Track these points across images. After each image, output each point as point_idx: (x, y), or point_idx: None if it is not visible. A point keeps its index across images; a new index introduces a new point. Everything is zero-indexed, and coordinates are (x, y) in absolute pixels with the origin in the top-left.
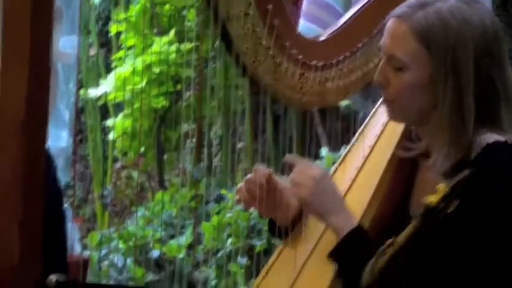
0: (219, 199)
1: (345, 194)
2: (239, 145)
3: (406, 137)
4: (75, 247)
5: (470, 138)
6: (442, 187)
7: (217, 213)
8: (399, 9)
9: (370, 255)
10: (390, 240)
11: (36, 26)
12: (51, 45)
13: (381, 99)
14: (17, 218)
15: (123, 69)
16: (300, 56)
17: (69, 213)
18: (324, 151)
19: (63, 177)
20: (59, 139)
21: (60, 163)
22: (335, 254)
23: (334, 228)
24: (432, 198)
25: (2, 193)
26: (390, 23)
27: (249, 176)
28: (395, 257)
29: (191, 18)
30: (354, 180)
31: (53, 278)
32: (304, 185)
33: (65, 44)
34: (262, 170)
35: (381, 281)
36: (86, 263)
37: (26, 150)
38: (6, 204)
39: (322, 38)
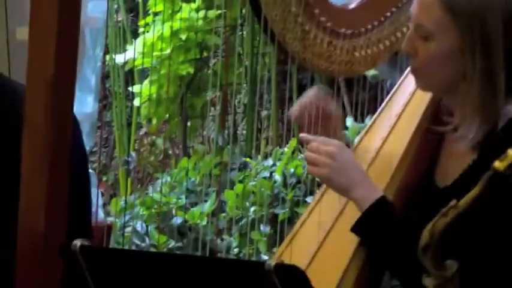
0: (243, 167)
1: (370, 164)
2: (264, 113)
3: (434, 106)
4: (99, 213)
5: (499, 109)
6: (511, 152)
7: (241, 181)
8: None
9: (395, 226)
10: (453, 202)
11: None
12: (79, 7)
13: (408, 69)
14: (44, 180)
15: (149, 35)
16: (329, 24)
17: (93, 179)
18: (349, 121)
19: (87, 142)
20: (84, 104)
21: (85, 128)
22: (358, 228)
23: (357, 201)
24: (499, 164)
25: (29, 154)
26: None
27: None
28: (457, 219)
29: None
30: (380, 149)
31: (77, 242)
32: (322, 163)
33: (93, 8)
34: (319, 94)
35: (441, 242)
36: (109, 229)
37: (53, 110)
38: (34, 166)
39: (351, 6)
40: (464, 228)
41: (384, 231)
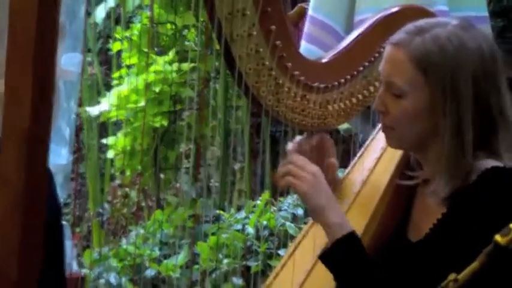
0: (216, 219)
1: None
2: (237, 166)
3: (405, 162)
4: (73, 264)
5: (470, 164)
6: None
7: (214, 233)
8: (397, 35)
9: (362, 261)
10: (453, 276)
11: (41, 42)
12: (55, 61)
13: (380, 124)
14: (18, 231)
15: (123, 88)
16: (302, 78)
17: (67, 231)
18: None
19: (61, 194)
20: (59, 156)
21: (59, 180)
22: (327, 256)
23: (330, 225)
24: (501, 238)
25: (2, 207)
26: (388, 49)
27: (303, 136)
28: None
29: (192, 38)
30: (352, 203)
31: None
32: (304, 178)
33: (67, 61)
34: (322, 137)
35: None
36: (82, 280)
37: (29, 162)
38: (7, 219)
39: (323, 60)
40: None
41: (353, 264)
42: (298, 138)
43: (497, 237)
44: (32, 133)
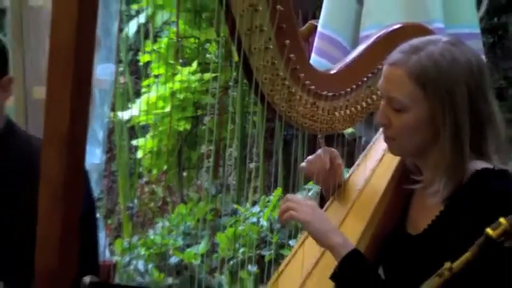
0: (233, 213)
1: (347, 213)
2: (252, 165)
3: (403, 164)
4: (105, 252)
5: (466, 168)
6: (504, 221)
7: (231, 225)
8: (394, 55)
9: (367, 274)
10: (448, 264)
11: (79, 52)
12: (92, 70)
13: (381, 131)
14: (58, 224)
15: (150, 95)
16: (313, 87)
17: (100, 223)
18: None
19: (95, 190)
20: (93, 156)
21: (93, 177)
22: (336, 275)
23: (335, 246)
24: (491, 232)
25: (44, 202)
26: (387, 69)
27: (319, 151)
28: (451, 280)
29: (212, 51)
30: (356, 200)
31: (86, 279)
32: (303, 211)
33: (102, 71)
34: (330, 151)
35: None
36: (114, 267)
37: (68, 162)
38: (48, 212)
39: (332, 72)
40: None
41: (358, 275)
42: (309, 159)
43: (488, 231)
44: (71, 135)
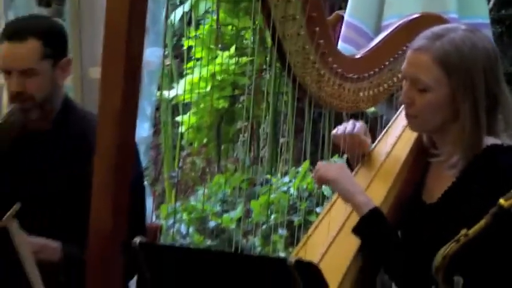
0: (265, 183)
1: (369, 183)
2: (282, 140)
3: (420, 139)
4: (152, 216)
5: (481, 144)
6: None
7: (264, 193)
8: (418, 41)
9: (387, 232)
10: (465, 231)
11: (131, 37)
12: (142, 52)
13: (401, 107)
14: (111, 191)
15: (192, 76)
16: (339, 70)
17: (147, 190)
18: None
19: (143, 160)
20: (142, 130)
21: (141, 149)
22: (358, 229)
23: (359, 204)
24: (504, 202)
25: (99, 170)
26: (412, 53)
27: (349, 123)
28: (466, 246)
29: (248, 37)
30: (378, 171)
31: (136, 240)
32: (333, 169)
33: (150, 54)
34: (359, 124)
35: (451, 264)
36: (159, 229)
37: (121, 134)
38: (103, 180)
39: (357, 56)
40: (471, 252)
41: (379, 231)
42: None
43: (501, 201)
44: (123, 111)
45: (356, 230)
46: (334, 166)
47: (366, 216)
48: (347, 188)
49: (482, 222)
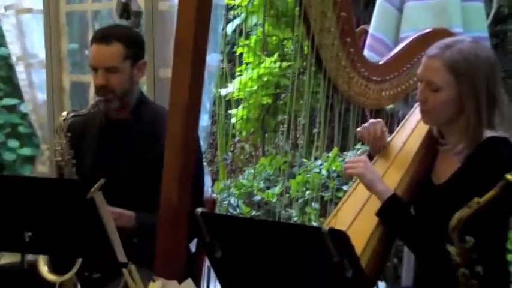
0: (301, 165)
1: (389, 166)
2: (315, 130)
3: (431, 132)
4: (209, 191)
5: (483, 135)
6: None
7: (300, 173)
8: (432, 50)
9: (403, 212)
10: (477, 199)
11: (197, 44)
12: (205, 58)
13: (416, 104)
14: (179, 169)
15: (243, 77)
16: (366, 73)
17: (206, 169)
18: None
19: (203, 145)
20: (202, 120)
21: (202, 136)
22: (380, 213)
23: (380, 192)
24: (510, 176)
25: (169, 153)
26: (427, 60)
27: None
28: (478, 210)
29: (289, 45)
30: (395, 158)
31: (199, 210)
32: (359, 166)
33: (210, 59)
34: (379, 122)
35: (465, 224)
36: (214, 202)
37: (187, 124)
38: (172, 161)
39: (380, 63)
40: (481, 216)
41: (397, 214)
42: (364, 125)
43: (508, 176)
44: (189, 105)
45: (379, 214)
46: (359, 163)
47: (386, 202)
48: (371, 179)
49: (491, 193)
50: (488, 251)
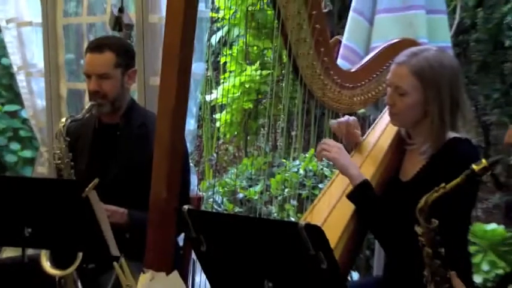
0: (280, 165)
1: (362, 163)
2: (293, 133)
3: (399, 133)
4: (195, 190)
5: (446, 136)
6: (484, 161)
7: (279, 173)
8: (400, 58)
9: (373, 198)
10: (443, 185)
11: (183, 54)
12: (191, 66)
13: (385, 109)
14: (167, 169)
15: (226, 85)
16: (339, 80)
17: (192, 169)
18: None
19: (190, 147)
20: (189, 124)
21: (188, 139)
22: (351, 196)
23: (352, 176)
24: (475, 167)
25: (158, 155)
26: (395, 67)
27: (344, 118)
28: (444, 195)
29: (269, 55)
30: (367, 157)
31: (185, 207)
32: (334, 150)
33: (195, 67)
34: (352, 119)
35: (431, 207)
36: (200, 200)
37: (173, 128)
38: (161, 161)
39: (352, 70)
40: (445, 200)
41: (368, 198)
42: (339, 119)
43: (473, 166)
44: (176, 110)
45: (350, 196)
46: (335, 147)
47: (358, 185)
48: (345, 164)
49: (457, 180)
50: (451, 235)
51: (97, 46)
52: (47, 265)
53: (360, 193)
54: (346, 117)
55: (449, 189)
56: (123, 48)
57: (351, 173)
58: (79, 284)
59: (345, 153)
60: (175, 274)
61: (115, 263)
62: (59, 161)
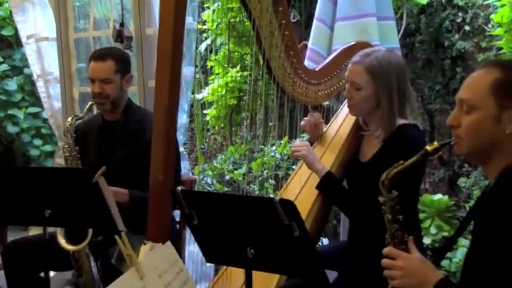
0: (260, 150)
1: (324, 151)
2: (271, 123)
3: (357, 122)
4: (189, 173)
5: (395, 123)
6: (436, 143)
7: (259, 157)
8: (355, 58)
9: (336, 185)
10: (401, 162)
11: (173, 59)
12: (180, 70)
13: (345, 101)
14: (162, 157)
15: (213, 85)
16: (306, 78)
17: (186, 156)
18: None
19: (182, 139)
20: (181, 119)
21: (181, 131)
22: (319, 187)
23: (318, 170)
24: (429, 147)
25: (156, 145)
26: (351, 65)
27: (310, 115)
28: (402, 170)
29: (248, 59)
30: (330, 143)
31: (179, 188)
32: (303, 149)
33: (186, 71)
34: (317, 115)
35: (391, 180)
36: (193, 182)
37: (168, 121)
38: (158, 149)
39: (316, 69)
40: (402, 175)
41: (332, 185)
42: (305, 118)
43: (427, 147)
44: (170, 107)
45: (318, 187)
46: (303, 147)
47: (323, 177)
48: (311, 159)
49: (413, 158)
50: (406, 203)
51: (100, 55)
52: (62, 242)
53: (325, 183)
54: (310, 115)
55: (406, 166)
56: (122, 57)
57: (316, 167)
58: (91, 256)
59: (311, 151)
60: (168, 244)
61: (116, 236)
62: (68, 154)
